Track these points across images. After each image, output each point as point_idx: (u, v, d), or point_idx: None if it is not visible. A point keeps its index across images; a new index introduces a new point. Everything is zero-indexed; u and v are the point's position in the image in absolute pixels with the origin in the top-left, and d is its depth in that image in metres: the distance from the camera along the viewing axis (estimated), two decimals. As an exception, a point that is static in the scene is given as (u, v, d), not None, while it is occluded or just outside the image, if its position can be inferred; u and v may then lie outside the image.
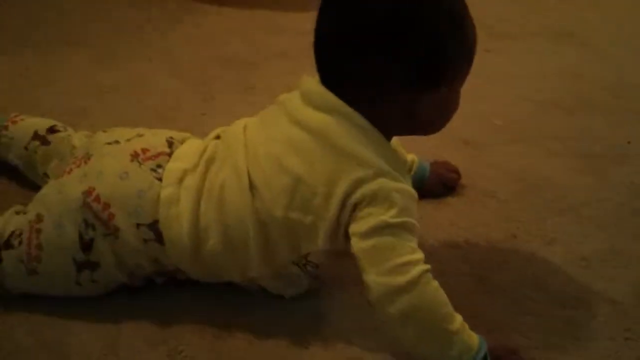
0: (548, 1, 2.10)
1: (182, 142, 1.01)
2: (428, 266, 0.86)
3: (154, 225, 0.93)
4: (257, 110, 1.41)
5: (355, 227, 0.87)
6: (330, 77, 0.90)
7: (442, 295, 0.86)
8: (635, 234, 1.15)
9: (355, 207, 0.86)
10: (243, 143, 0.93)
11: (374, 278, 0.85)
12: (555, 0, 2.11)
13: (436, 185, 1.23)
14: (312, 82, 0.92)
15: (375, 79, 0.87)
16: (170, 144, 0.99)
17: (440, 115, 0.94)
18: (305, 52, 1.69)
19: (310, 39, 1.79)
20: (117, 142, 0.99)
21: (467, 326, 0.86)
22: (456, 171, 1.26)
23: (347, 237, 0.88)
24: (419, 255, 0.86)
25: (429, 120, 0.92)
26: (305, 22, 1.81)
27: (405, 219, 0.86)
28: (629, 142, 1.40)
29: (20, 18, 1.83)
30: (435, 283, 0.86)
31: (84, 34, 1.74)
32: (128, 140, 0.99)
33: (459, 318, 0.86)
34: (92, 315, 0.96)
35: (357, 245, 0.86)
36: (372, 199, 0.85)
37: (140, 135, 1.01)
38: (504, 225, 1.16)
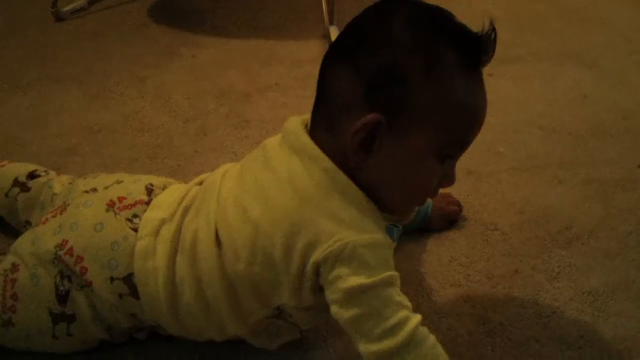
0: (552, 24, 2.05)
1: (163, 188, 0.97)
2: (419, 317, 0.80)
3: (128, 279, 0.89)
4: (249, 144, 1.40)
5: (330, 294, 0.81)
6: (316, 97, 0.87)
7: (440, 352, 0.81)
8: (645, 264, 1.10)
9: (319, 267, 0.80)
10: (217, 192, 0.89)
11: (364, 347, 0.79)
12: (559, 23, 2.05)
13: (439, 220, 1.18)
14: (293, 121, 0.88)
15: (340, 91, 0.83)
16: (150, 191, 0.96)
17: (395, 173, 0.84)
18: (300, 83, 1.68)
19: (306, 68, 1.77)
20: (94, 190, 0.96)
21: None
22: (458, 204, 1.21)
23: (313, 293, 0.83)
24: (407, 310, 0.80)
25: (383, 171, 0.83)
26: (302, 51, 1.83)
27: (381, 275, 0.79)
28: (639, 167, 1.35)
29: (11, 58, 1.82)
30: (431, 339, 0.80)
31: (76, 72, 1.71)
32: (106, 188, 0.96)
33: None
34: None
35: (339, 315, 0.80)
36: (337, 260, 0.79)
37: (119, 182, 0.97)
38: (506, 260, 1.11)
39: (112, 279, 0.89)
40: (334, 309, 0.80)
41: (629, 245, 1.14)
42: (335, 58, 0.86)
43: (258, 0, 2.15)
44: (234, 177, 0.90)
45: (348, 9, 1.92)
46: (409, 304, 0.81)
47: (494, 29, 0.82)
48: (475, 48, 0.82)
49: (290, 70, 1.72)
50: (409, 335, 0.78)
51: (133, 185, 0.96)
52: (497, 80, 1.64)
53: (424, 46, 0.80)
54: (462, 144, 0.86)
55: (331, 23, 1.87)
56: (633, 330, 0.98)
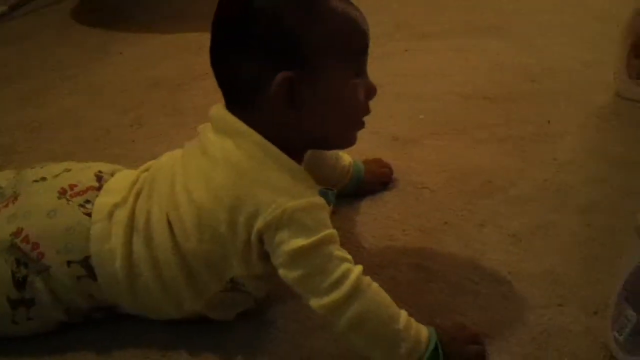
0: (462, 1, 2.17)
1: (112, 174, 1.00)
2: (360, 268, 0.86)
3: (85, 262, 0.92)
4: (186, 131, 1.44)
5: (275, 259, 0.86)
6: (225, 94, 0.92)
7: (384, 297, 0.87)
8: (561, 207, 1.20)
9: (262, 235, 0.86)
10: (165, 176, 0.94)
11: (314, 302, 0.85)
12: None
13: (372, 182, 1.26)
14: (218, 107, 0.93)
15: (244, 75, 0.88)
16: (99, 178, 0.99)
17: (327, 110, 0.90)
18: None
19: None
20: (44, 179, 0.98)
21: (413, 321, 0.87)
22: (388, 166, 1.30)
23: (261, 260, 0.89)
24: (348, 263, 0.86)
25: (318, 117, 0.90)
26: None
27: (320, 234, 0.85)
28: (548, 122, 1.46)
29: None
30: (374, 286, 0.87)
31: (6, 73, 1.73)
32: (55, 176, 0.98)
33: (404, 315, 0.87)
34: (34, 354, 0.96)
35: (287, 277, 0.86)
36: (278, 226, 0.85)
37: (68, 170, 1.00)
38: (436, 214, 1.19)
39: (69, 262, 0.92)
40: (281, 272, 0.86)
41: (546, 191, 1.25)
42: (221, 54, 0.91)
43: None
44: (179, 163, 0.94)
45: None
46: (349, 257, 0.87)
47: None
48: None
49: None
50: (354, 284, 0.84)
51: (82, 173, 0.99)
52: (414, 54, 1.74)
53: None
54: (364, 52, 0.92)
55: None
56: (554, 265, 1.07)
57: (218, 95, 1.58)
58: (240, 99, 0.90)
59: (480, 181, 1.27)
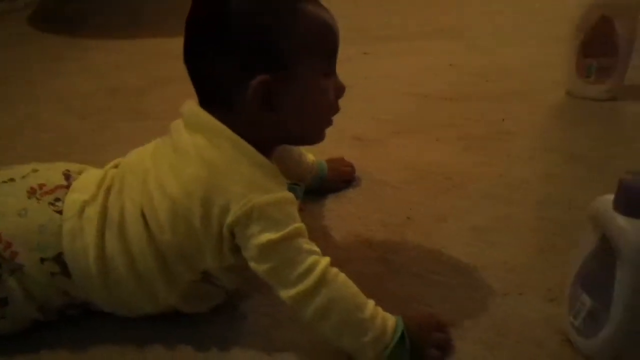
0: (416, 4, 2.22)
1: (79, 172, 1.01)
2: (327, 259, 0.88)
3: (58, 258, 0.93)
4: (150, 135, 1.44)
5: (246, 252, 0.89)
6: (197, 90, 0.94)
7: (351, 287, 0.89)
8: (517, 200, 1.26)
9: (233, 228, 0.88)
10: (136, 172, 0.95)
11: (283, 293, 0.87)
12: (422, 3, 2.23)
13: (335, 180, 1.30)
14: (190, 104, 0.94)
15: (219, 76, 0.90)
16: (68, 176, 0.99)
17: (301, 110, 0.93)
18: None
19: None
20: (12, 180, 0.97)
21: (380, 310, 0.90)
22: (351, 165, 1.34)
23: (233, 253, 0.91)
24: (316, 255, 0.88)
25: (293, 117, 0.93)
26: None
27: (288, 228, 0.87)
28: (503, 120, 1.52)
29: None
30: (341, 277, 0.88)
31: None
32: (23, 177, 0.98)
33: (370, 304, 0.89)
34: (8, 353, 0.96)
35: (257, 269, 0.88)
36: (248, 220, 0.87)
37: (35, 171, 0.99)
38: (398, 210, 1.23)
39: (42, 259, 0.92)
40: (251, 264, 0.89)
41: (502, 186, 1.30)
42: (196, 53, 0.92)
43: (136, 1, 2.20)
44: (150, 159, 0.95)
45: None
46: (317, 249, 0.89)
47: None
48: None
49: (180, 63, 1.78)
50: (321, 275, 0.86)
51: (49, 173, 0.99)
52: (372, 58, 1.79)
53: (263, 2, 0.88)
54: (335, 53, 0.95)
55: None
56: (512, 256, 1.12)
57: (180, 99, 1.60)
58: (214, 97, 0.92)
59: (440, 178, 1.32)
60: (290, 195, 0.92)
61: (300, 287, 0.86)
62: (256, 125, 0.91)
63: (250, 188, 0.88)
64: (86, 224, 0.93)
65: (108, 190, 0.96)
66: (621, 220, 0.85)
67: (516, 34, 2.01)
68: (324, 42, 0.93)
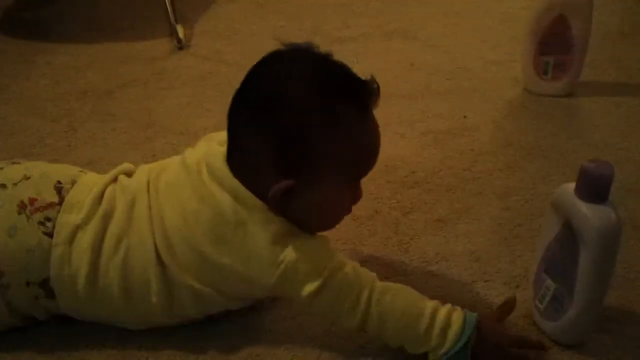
0: (374, 5, 2.27)
1: (72, 183, 0.96)
2: (371, 282, 0.91)
3: (44, 284, 0.91)
4: (118, 135, 1.48)
5: (294, 301, 0.93)
6: (229, 148, 0.92)
7: (399, 305, 0.90)
8: (481, 193, 1.30)
9: (273, 288, 0.91)
10: (147, 205, 0.94)
11: (345, 325, 0.92)
12: (380, 4, 2.27)
13: None
14: (217, 157, 0.92)
15: (250, 154, 0.89)
16: (59, 190, 0.95)
17: (314, 214, 0.93)
18: (157, 77, 1.78)
19: (160, 64, 1.87)
20: (3, 186, 0.94)
21: (442, 314, 0.90)
22: None
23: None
24: (359, 283, 0.90)
25: (305, 214, 0.91)
26: (154, 49, 1.93)
27: (326, 273, 0.89)
28: (465, 117, 1.56)
29: None
30: (388, 296, 0.90)
31: None
32: (15, 184, 0.94)
33: (425, 316, 0.89)
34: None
35: (307, 310, 0.92)
36: (283, 283, 0.90)
37: (27, 178, 0.95)
38: (366, 204, 1.24)
39: (27, 283, 0.91)
40: (301, 306, 0.93)
41: (466, 179, 1.34)
42: (241, 114, 0.91)
43: (100, 6, 2.22)
44: (163, 191, 0.94)
45: (190, 9, 2.05)
46: (358, 273, 0.92)
47: (375, 81, 0.92)
48: (363, 93, 0.90)
49: (145, 67, 1.82)
50: (367, 302, 0.89)
51: (42, 183, 0.95)
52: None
53: (319, 105, 0.87)
54: (366, 173, 0.95)
55: (177, 22, 2.00)
56: (477, 245, 1.16)
57: (147, 100, 1.62)
58: (244, 163, 0.90)
59: (406, 172, 1.35)
60: (313, 238, 0.93)
61: (354, 320, 0.90)
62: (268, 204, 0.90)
63: (281, 250, 0.89)
64: (76, 253, 0.91)
65: (107, 218, 0.93)
66: (582, 206, 0.89)
67: (471, 34, 2.06)
68: (363, 166, 0.94)
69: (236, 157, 0.91)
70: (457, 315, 0.90)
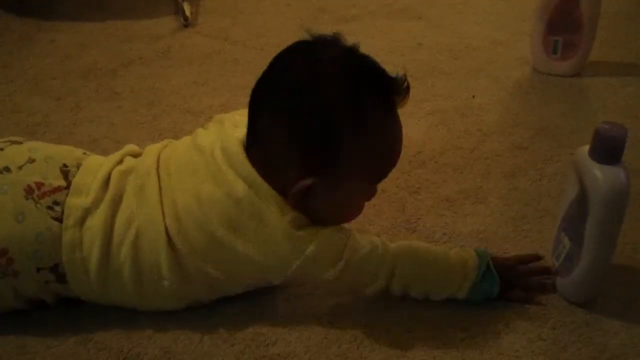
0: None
1: (77, 166, 0.95)
2: (381, 246, 0.94)
3: (55, 268, 0.90)
4: (124, 113, 1.47)
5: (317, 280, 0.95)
6: (249, 138, 0.91)
7: (413, 259, 0.96)
8: (488, 173, 1.29)
9: (290, 276, 0.92)
10: (157, 187, 0.93)
11: (368, 292, 0.95)
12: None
13: None
14: (235, 143, 0.91)
15: (276, 149, 0.89)
16: (66, 173, 0.93)
17: (330, 210, 0.93)
18: (161, 55, 1.77)
19: (165, 42, 1.85)
20: (8, 169, 0.92)
21: (455, 254, 0.97)
22: None
23: None
24: (376, 252, 0.93)
25: (321, 210, 0.91)
26: (159, 27, 1.91)
27: (345, 256, 0.90)
28: (473, 96, 1.55)
29: None
30: (403, 253, 0.95)
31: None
32: (19, 167, 0.92)
33: (440, 261, 0.97)
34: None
35: (331, 285, 0.95)
36: (302, 271, 0.91)
37: (31, 161, 0.93)
38: (373, 183, 1.26)
39: (38, 269, 0.90)
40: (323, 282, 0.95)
41: (473, 159, 1.33)
42: (265, 101, 0.90)
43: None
44: (174, 173, 0.93)
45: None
46: (373, 242, 0.94)
47: (405, 79, 0.91)
48: (393, 90, 0.90)
49: (149, 45, 1.81)
50: (387, 268, 0.93)
51: (47, 167, 0.93)
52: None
53: (351, 107, 0.87)
54: (386, 175, 0.96)
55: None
56: (484, 225, 1.15)
57: (152, 78, 1.61)
58: (264, 154, 0.90)
59: (413, 152, 1.34)
60: (334, 230, 0.93)
61: (375, 286, 0.94)
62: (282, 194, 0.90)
63: (303, 242, 0.90)
64: (87, 236, 0.91)
65: (117, 201, 0.92)
66: (594, 167, 0.91)
67: (476, 14, 2.04)
68: (385, 168, 0.95)
69: (258, 149, 0.90)
70: (469, 252, 0.98)
